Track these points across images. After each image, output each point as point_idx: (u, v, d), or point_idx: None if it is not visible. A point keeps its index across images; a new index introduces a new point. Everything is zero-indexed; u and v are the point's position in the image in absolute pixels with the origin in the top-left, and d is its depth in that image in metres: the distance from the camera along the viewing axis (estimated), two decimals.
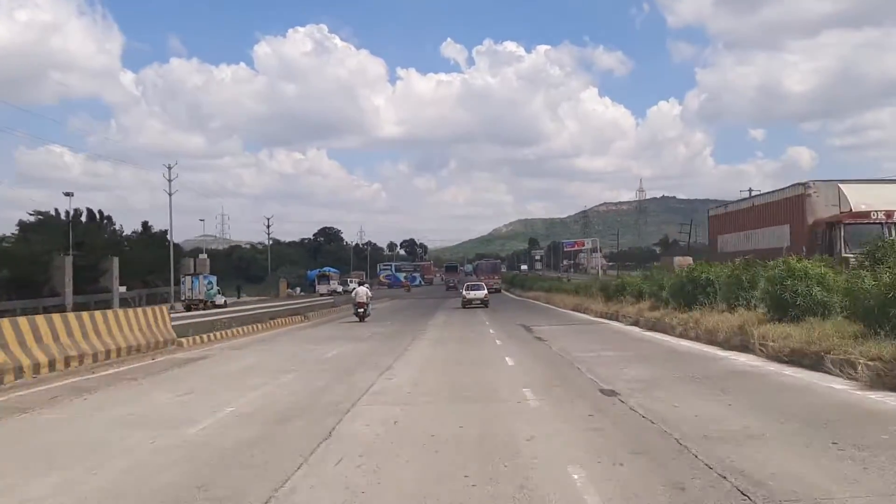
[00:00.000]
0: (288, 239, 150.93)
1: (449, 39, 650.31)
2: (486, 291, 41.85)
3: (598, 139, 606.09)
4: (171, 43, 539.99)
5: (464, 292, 42.75)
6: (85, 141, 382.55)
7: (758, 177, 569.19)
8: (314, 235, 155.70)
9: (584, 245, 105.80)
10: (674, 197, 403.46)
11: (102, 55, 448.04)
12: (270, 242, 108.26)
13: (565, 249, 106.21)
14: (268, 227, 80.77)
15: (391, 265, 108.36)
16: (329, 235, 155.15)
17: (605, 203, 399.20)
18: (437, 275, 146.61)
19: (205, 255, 70.40)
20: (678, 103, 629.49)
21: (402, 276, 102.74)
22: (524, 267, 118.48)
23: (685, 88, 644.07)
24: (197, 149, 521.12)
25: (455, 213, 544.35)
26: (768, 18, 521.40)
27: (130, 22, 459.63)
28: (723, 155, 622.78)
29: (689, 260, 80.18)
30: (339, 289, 73.66)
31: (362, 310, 30.11)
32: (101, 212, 79.01)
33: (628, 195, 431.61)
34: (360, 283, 40.33)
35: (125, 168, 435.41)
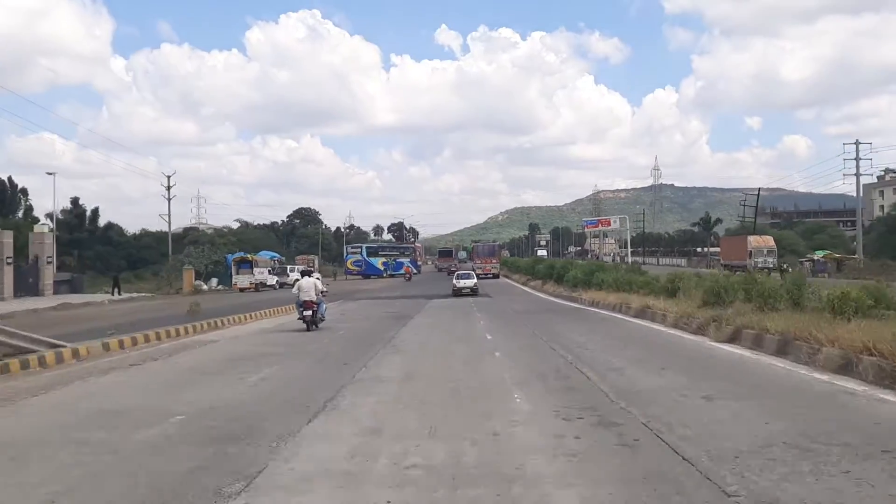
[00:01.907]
0: (258, 221, 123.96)
1: (443, 26, 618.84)
2: (475, 280, 37.57)
3: (593, 127, 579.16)
4: (161, 28, 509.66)
5: (454, 281, 38.02)
6: (75, 128, 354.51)
7: (754, 165, 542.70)
8: (288, 217, 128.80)
9: (609, 224, 78.63)
10: (672, 185, 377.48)
11: (92, 40, 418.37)
12: (174, 225, 65.52)
13: (586, 228, 79.23)
14: (168, 188, 52.65)
15: (361, 247, 78.99)
16: (306, 217, 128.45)
17: (602, 191, 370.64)
18: (430, 261, 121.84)
19: (44, 226, 42.84)
20: (674, 91, 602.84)
21: (378, 261, 74.65)
22: (542, 252, 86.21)
23: (681, 76, 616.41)
24: (189, 136, 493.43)
25: (450, 201, 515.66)
26: (766, 4, 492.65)
27: (120, 6, 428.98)
28: (719, 143, 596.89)
29: (770, 240, 52.50)
30: (272, 280, 46.41)
31: (310, 312, 17.47)
32: (10, 179, 63.23)
33: (624, 183, 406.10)
34: (306, 273, 21.56)
35: (117, 156, 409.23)
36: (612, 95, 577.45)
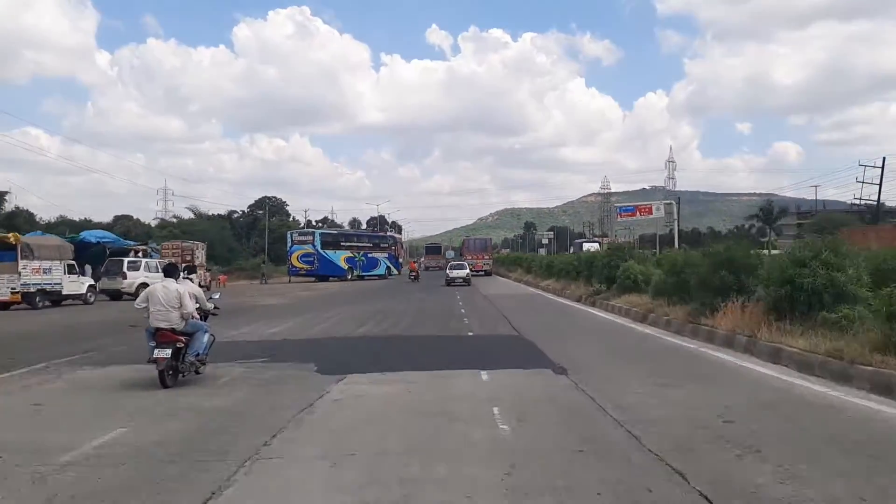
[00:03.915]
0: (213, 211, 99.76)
1: (434, 25, 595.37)
2: (468, 271, 38.40)
3: (584, 130, 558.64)
4: (147, 22, 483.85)
5: (447, 271, 39.06)
6: (60, 123, 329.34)
7: (744, 170, 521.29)
8: (249, 208, 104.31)
9: (651, 212, 55.11)
10: (662, 188, 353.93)
11: (76, 33, 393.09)
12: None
13: (619, 217, 56.06)
14: None
15: (313, 234, 50.76)
16: (271, 208, 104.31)
17: (593, 193, 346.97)
18: (421, 262, 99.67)
19: None
20: (665, 95, 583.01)
21: (339, 256, 50.33)
22: (592, 246, 55.20)
23: (673, 79, 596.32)
24: (176, 133, 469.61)
25: (440, 202, 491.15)
26: (759, 7, 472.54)
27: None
28: (709, 148, 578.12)
29: None
30: (79, 285, 22.32)
31: (168, 350, 7.53)
32: None
33: (615, 186, 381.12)
34: (170, 272, 7.96)
35: (103, 152, 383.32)
36: (604, 98, 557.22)
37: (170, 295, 7.83)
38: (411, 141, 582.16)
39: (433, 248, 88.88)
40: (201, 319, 8.37)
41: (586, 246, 34.70)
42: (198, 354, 8.00)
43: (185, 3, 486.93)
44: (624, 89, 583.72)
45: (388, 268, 55.70)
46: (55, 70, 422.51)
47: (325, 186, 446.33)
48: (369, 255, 53.51)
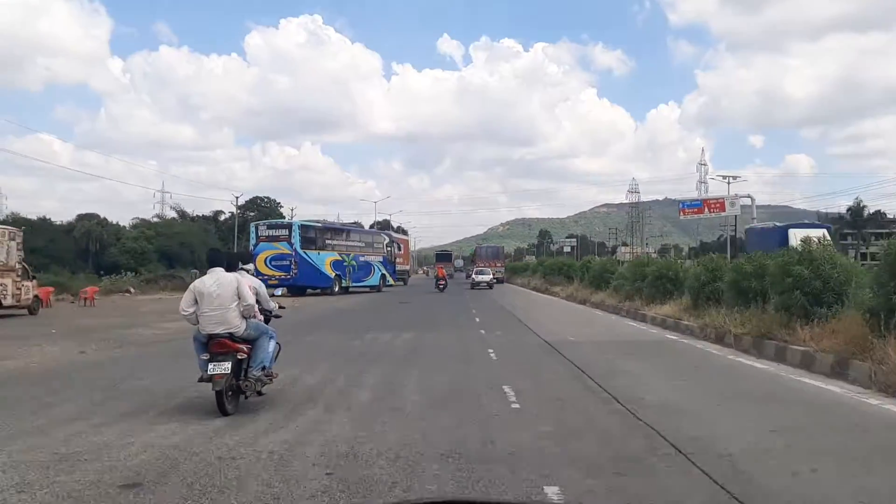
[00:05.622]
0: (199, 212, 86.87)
1: (445, 35, 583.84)
2: (491, 276, 41.15)
3: (595, 140, 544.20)
4: (160, 29, 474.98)
5: (473, 276, 41.40)
6: (73, 130, 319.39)
7: (757, 184, 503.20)
8: (240, 209, 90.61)
9: (723, 209, 41.15)
10: (677, 200, 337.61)
11: (90, 40, 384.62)
12: None
13: (683, 214, 42.23)
14: None
15: (291, 226, 34.47)
16: (262, 209, 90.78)
17: (605, 204, 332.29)
18: (423, 270, 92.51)
19: None
20: (677, 106, 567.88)
21: (325, 258, 36.34)
22: (810, 232, 15.99)
23: (685, 91, 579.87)
24: (188, 140, 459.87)
25: (450, 211, 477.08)
26: (772, 19, 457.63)
27: (118, 5, 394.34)
28: (721, 160, 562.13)
29: None
30: None
31: (227, 364, 6.01)
32: None
33: (626, 198, 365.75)
34: (221, 261, 6.27)
35: (115, 158, 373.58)
36: (615, 109, 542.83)
37: (225, 288, 6.00)
38: (422, 150, 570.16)
39: (443, 256, 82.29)
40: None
41: (800, 233, 15.65)
42: (264, 367, 6.23)
43: (197, 10, 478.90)
44: (636, 100, 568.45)
45: (382, 276, 41.18)
46: (68, 77, 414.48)
47: (336, 195, 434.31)
48: (361, 259, 39.00)
